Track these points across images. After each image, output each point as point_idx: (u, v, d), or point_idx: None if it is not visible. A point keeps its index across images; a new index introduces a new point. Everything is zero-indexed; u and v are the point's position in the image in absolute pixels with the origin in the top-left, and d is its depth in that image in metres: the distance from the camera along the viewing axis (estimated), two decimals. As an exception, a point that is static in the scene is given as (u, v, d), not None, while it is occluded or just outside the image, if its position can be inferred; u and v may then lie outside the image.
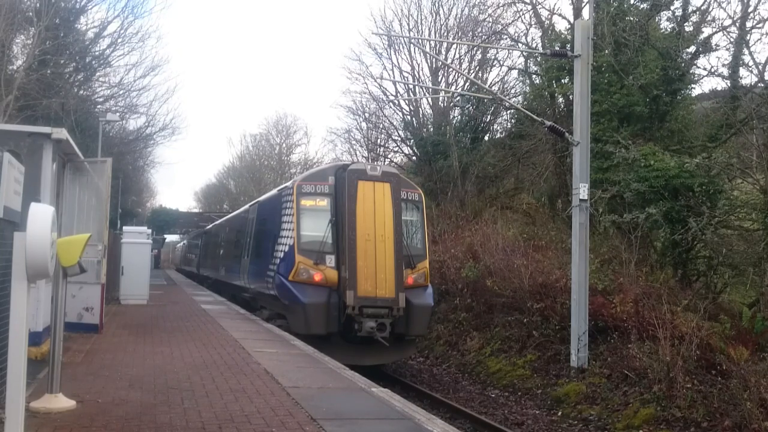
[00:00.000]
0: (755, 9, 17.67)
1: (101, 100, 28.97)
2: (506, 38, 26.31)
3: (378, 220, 14.15)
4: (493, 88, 27.31)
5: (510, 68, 28.94)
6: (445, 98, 30.35)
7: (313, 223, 14.68)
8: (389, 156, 38.08)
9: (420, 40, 29.53)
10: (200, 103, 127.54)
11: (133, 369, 8.95)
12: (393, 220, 14.20)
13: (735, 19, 17.62)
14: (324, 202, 14.78)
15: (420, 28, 31.62)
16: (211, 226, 38.56)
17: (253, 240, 19.45)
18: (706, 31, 18.76)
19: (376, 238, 14.01)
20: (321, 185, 14.85)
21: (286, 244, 14.99)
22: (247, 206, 24.25)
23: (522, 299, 15.54)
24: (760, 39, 32.38)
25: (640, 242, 15.32)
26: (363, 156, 37.54)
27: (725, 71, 18.05)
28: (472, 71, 29.41)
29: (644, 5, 19.88)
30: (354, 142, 41.34)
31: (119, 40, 26.79)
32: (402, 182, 15.35)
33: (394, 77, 33.16)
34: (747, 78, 19.06)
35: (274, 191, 18.91)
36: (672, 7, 19.50)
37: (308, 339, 13.08)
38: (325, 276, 14.09)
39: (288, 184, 16.98)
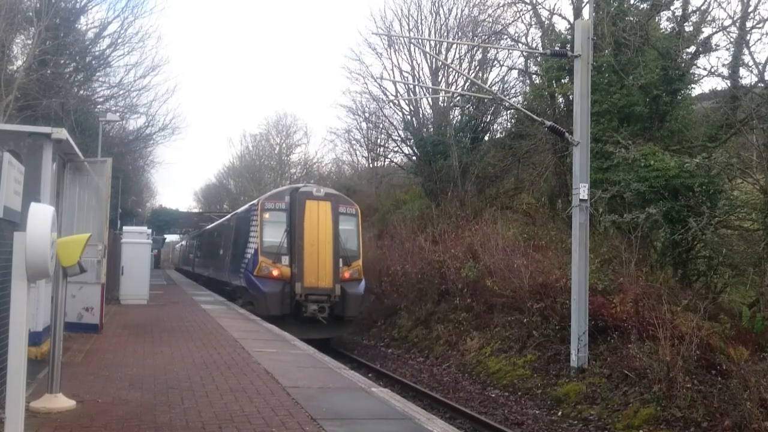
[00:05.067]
0: (755, 9, 17.58)
1: (101, 100, 28.91)
2: (506, 38, 26.25)
3: (321, 229, 18.55)
4: (493, 88, 27.21)
5: (510, 68, 28.84)
6: (445, 98, 30.27)
7: (272, 231, 19.02)
8: (389, 156, 38.10)
9: (420, 40, 29.47)
10: (200, 103, 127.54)
11: (133, 369, 8.95)
12: (332, 230, 18.66)
13: (735, 19, 17.56)
14: (281, 216, 19.07)
15: (420, 28, 31.56)
16: (203, 229, 41.58)
17: (232, 244, 23.99)
18: (706, 31, 18.67)
19: (318, 243, 18.42)
20: (279, 203, 19.44)
21: (252, 248, 19.34)
22: (228, 216, 29.63)
23: (522, 299, 15.53)
24: (760, 39, 32.12)
25: (640, 242, 15.30)
26: (363, 156, 37.62)
27: (725, 71, 17.98)
28: (472, 71, 29.34)
29: (644, 5, 19.83)
30: (354, 142, 41.48)
31: (119, 41, 26.74)
32: (341, 200, 19.90)
33: (394, 77, 33.11)
34: (747, 78, 18.91)
35: (246, 206, 24.08)
36: (672, 7, 19.44)
37: (268, 319, 17.02)
38: (281, 272, 18.44)
39: (254, 201, 21.61)
